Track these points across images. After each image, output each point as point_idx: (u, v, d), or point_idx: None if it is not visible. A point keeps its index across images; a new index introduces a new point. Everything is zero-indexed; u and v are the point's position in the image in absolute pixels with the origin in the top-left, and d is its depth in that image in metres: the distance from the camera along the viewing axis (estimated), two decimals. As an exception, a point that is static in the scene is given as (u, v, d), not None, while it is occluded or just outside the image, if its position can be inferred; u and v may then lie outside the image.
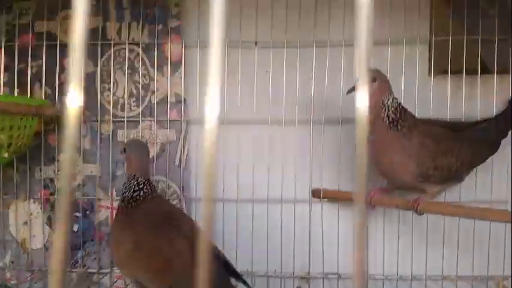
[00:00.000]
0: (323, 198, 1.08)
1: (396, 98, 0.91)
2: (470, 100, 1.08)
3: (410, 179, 0.89)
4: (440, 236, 1.08)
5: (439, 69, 1.09)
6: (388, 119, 0.88)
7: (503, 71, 1.05)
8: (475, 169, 1.03)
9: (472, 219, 0.99)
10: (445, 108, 1.07)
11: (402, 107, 0.91)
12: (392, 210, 1.08)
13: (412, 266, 1.09)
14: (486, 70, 1.07)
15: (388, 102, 0.88)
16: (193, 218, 1.10)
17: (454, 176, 0.92)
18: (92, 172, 1.13)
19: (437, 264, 1.09)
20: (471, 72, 1.06)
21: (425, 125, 0.93)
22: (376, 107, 0.88)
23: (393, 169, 0.90)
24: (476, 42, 1.05)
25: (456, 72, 1.07)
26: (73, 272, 1.13)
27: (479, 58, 1.05)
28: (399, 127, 0.87)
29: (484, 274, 1.08)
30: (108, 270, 1.12)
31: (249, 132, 1.11)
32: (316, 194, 1.10)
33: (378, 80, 0.88)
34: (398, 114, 0.88)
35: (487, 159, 0.97)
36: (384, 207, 1.07)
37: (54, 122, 1.11)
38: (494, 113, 1.02)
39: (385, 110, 0.88)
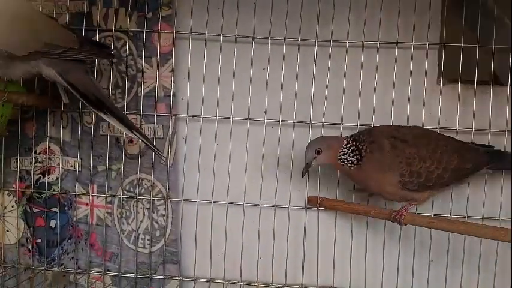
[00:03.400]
0: (319, 207, 1.07)
1: (346, 144, 0.95)
2: (480, 111, 1.06)
3: (394, 190, 0.95)
4: (444, 254, 1.08)
5: (449, 77, 1.08)
6: (350, 163, 0.95)
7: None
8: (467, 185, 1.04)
9: (466, 235, 0.99)
10: (454, 118, 1.06)
11: (354, 143, 0.95)
12: (393, 225, 1.06)
13: (412, 283, 1.09)
14: (498, 81, 1.06)
15: (343, 156, 0.95)
16: (180, 221, 1.10)
17: (437, 181, 0.94)
18: (71, 166, 1.12)
19: (440, 282, 1.09)
20: (482, 82, 1.05)
21: (400, 131, 0.97)
22: (336, 164, 0.97)
23: (378, 188, 0.98)
24: (489, 52, 1.04)
25: (467, 81, 1.05)
26: (48, 271, 1.13)
27: (492, 68, 1.04)
28: (361, 162, 0.94)
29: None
30: (85, 270, 1.13)
31: (243, 132, 1.10)
32: (312, 201, 1.09)
33: (323, 150, 0.96)
34: (355, 155, 0.95)
35: (479, 169, 0.98)
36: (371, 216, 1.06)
37: (32, 110, 1.09)
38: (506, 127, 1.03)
39: (344, 162, 0.95)
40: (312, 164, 0.97)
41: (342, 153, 0.95)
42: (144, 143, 0.96)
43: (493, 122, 1.05)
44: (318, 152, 0.96)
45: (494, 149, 1.02)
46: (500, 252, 1.05)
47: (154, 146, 0.99)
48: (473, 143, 1.02)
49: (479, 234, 0.94)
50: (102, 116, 0.92)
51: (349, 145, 0.95)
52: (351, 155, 0.94)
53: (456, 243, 1.07)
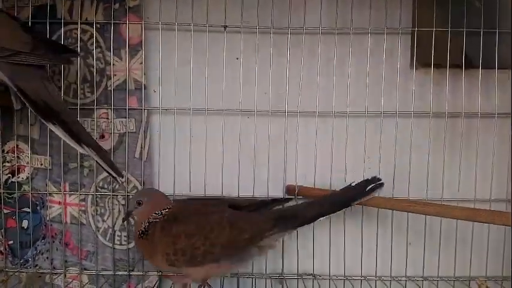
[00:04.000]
0: (298, 195, 1.08)
1: (157, 213, 0.95)
2: (453, 94, 1.09)
3: (164, 267, 0.96)
4: (421, 236, 1.10)
5: (422, 61, 1.09)
6: (142, 232, 0.96)
7: (487, 65, 1.06)
8: (457, 167, 1.06)
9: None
10: (427, 102, 1.08)
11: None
12: (371, 210, 1.08)
13: (391, 266, 1.11)
14: (470, 64, 1.07)
15: (150, 219, 0.95)
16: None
17: (206, 257, 0.92)
18: (41, 165, 1.09)
19: (418, 265, 1.12)
20: (455, 66, 1.07)
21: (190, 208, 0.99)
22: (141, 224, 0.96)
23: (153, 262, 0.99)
24: (460, 35, 1.05)
25: (439, 65, 1.07)
26: (22, 272, 1.10)
27: (463, 52, 1.06)
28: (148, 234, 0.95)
29: (466, 275, 1.11)
30: (62, 270, 1.11)
31: (217, 123, 1.09)
32: (290, 190, 1.09)
33: (143, 203, 0.96)
34: (147, 226, 0.95)
35: (262, 237, 0.95)
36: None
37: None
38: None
39: (143, 224, 0.96)
40: (133, 213, 0.97)
41: (153, 217, 0.95)
42: (97, 162, 0.89)
43: (466, 105, 1.08)
44: (139, 204, 0.95)
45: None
46: (476, 232, 1.09)
47: (112, 166, 0.91)
48: (350, 184, 1.02)
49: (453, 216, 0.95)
50: (50, 127, 0.86)
51: (153, 218, 0.95)
52: (146, 226, 0.95)
53: (433, 226, 1.10)
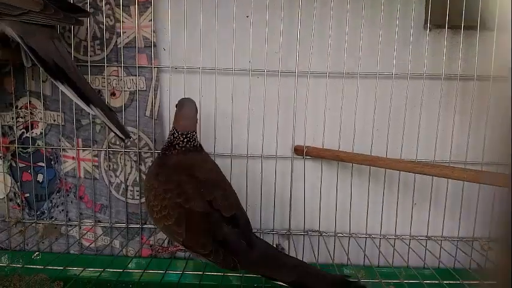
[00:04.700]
0: (306, 155, 1.09)
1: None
2: (467, 56, 1.07)
3: None
4: (427, 198, 1.12)
5: (436, 22, 1.07)
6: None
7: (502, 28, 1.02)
8: (467, 130, 1.06)
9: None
10: (440, 63, 1.07)
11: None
12: (378, 170, 1.09)
13: (396, 225, 1.14)
14: (485, 26, 1.05)
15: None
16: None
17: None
18: (54, 121, 1.11)
19: (423, 225, 1.14)
20: (469, 28, 1.05)
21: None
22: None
23: None
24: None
25: (454, 27, 1.05)
26: (39, 223, 1.15)
27: (479, 13, 1.03)
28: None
29: (469, 236, 1.13)
30: (77, 222, 1.16)
31: (228, 84, 1.09)
32: (299, 151, 1.10)
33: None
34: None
35: None
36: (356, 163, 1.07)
37: (9, 65, 1.07)
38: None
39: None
40: None
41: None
42: (105, 123, 0.90)
43: (479, 67, 1.06)
44: None
45: None
46: (481, 195, 1.10)
47: (120, 127, 0.91)
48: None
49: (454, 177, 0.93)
50: (59, 86, 0.87)
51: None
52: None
53: (440, 189, 1.12)
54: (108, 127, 0.91)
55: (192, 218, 0.83)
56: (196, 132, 0.93)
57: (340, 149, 1.09)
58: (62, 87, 0.87)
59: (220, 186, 0.89)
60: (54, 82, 0.87)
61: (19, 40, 0.86)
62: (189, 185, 0.85)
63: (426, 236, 1.14)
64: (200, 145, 0.94)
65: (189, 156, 0.91)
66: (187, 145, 0.91)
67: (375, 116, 1.09)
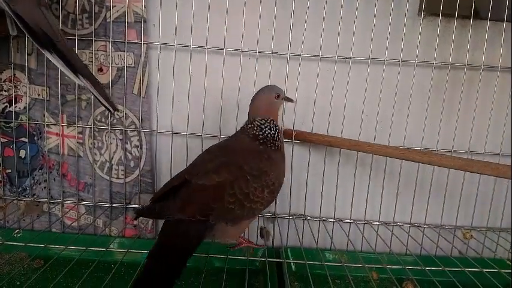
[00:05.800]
0: (294, 139, 1.09)
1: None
2: (459, 45, 1.08)
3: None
4: (411, 185, 1.13)
5: (430, 11, 1.07)
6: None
7: (496, 18, 1.05)
8: (455, 119, 1.06)
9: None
10: (432, 51, 1.07)
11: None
12: (365, 156, 1.10)
13: (380, 212, 1.15)
14: (478, 16, 1.06)
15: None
16: (155, 151, 1.11)
17: None
18: (39, 95, 1.09)
19: (406, 212, 1.16)
20: (463, 16, 1.06)
21: None
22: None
23: None
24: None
25: (447, 15, 1.06)
26: (21, 200, 1.13)
27: (473, 2, 1.04)
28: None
29: (452, 224, 1.15)
30: (59, 200, 1.14)
31: (219, 63, 1.08)
32: (287, 134, 1.10)
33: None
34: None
35: None
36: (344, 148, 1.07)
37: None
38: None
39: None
40: None
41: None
42: (93, 94, 0.87)
43: (470, 56, 1.08)
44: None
45: None
46: (465, 184, 1.12)
47: (108, 99, 0.89)
48: None
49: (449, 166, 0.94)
50: (47, 55, 0.84)
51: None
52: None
53: (425, 178, 1.13)
54: (97, 98, 0.88)
55: None
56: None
57: (328, 134, 1.09)
58: (49, 56, 0.84)
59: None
60: (41, 50, 0.84)
61: (5, 6, 0.83)
62: None
63: (409, 223, 1.16)
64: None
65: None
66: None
67: (364, 102, 1.09)
